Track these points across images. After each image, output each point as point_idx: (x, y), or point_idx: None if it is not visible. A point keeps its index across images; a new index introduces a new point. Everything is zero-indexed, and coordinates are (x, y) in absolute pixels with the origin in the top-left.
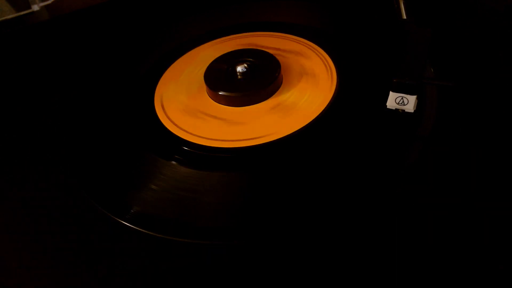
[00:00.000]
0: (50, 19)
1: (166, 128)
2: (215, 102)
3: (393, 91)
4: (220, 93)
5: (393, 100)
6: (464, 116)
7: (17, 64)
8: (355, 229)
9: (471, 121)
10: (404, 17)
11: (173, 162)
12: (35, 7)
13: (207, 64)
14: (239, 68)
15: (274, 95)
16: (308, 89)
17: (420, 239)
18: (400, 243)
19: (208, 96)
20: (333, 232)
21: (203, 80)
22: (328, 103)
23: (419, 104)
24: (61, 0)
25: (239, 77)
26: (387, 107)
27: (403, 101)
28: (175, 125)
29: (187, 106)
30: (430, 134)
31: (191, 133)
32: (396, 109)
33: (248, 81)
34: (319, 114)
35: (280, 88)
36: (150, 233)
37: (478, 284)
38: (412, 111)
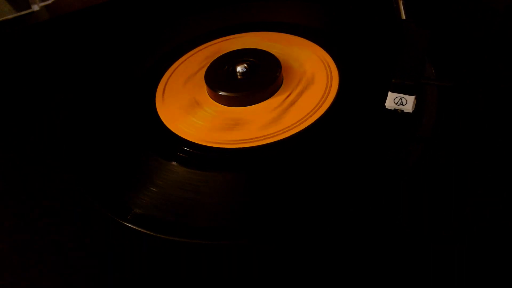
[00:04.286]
0: (50, 19)
1: (167, 129)
2: (215, 102)
3: (391, 91)
4: (220, 93)
5: (391, 101)
6: (464, 116)
7: (17, 64)
8: (355, 229)
9: (470, 121)
10: (403, 17)
11: (174, 163)
12: (35, 7)
13: (207, 64)
14: (239, 68)
15: (274, 95)
16: (308, 89)
17: (420, 240)
18: (400, 243)
19: (208, 96)
20: (333, 233)
21: (203, 80)
22: (329, 104)
23: (418, 104)
24: (61, 0)
25: (239, 77)
26: (386, 107)
27: (401, 102)
28: (176, 125)
29: (187, 106)
30: (429, 134)
31: (191, 134)
32: (395, 109)
33: (248, 81)
34: (320, 115)
35: (280, 88)
36: (151, 233)
37: (478, 284)
38: (411, 111)
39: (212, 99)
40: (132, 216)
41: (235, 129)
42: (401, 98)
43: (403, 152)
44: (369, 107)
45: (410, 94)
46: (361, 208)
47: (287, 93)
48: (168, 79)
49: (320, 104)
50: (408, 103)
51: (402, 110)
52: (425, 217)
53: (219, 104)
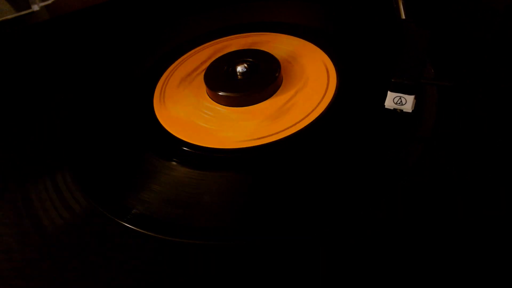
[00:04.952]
0: (50, 19)
1: (166, 129)
2: (215, 103)
3: (391, 90)
4: (220, 93)
5: (391, 100)
6: (464, 116)
7: (17, 64)
8: (355, 229)
9: (470, 121)
10: (403, 17)
11: (173, 163)
12: (35, 7)
13: (207, 64)
14: (239, 68)
15: (274, 96)
16: (308, 89)
17: (420, 240)
18: (400, 243)
19: (208, 97)
20: (332, 233)
21: (203, 80)
22: (328, 104)
23: (417, 104)
24: (61, 0)
25: (239, 77)
26: (385, 106)
27: (401, 101)
28: (175, 125)
29: (187, 107)
30: (429, 134)
31: (191, 134)
32: (394, 109)
33: (248, 81)
34: (319, 115)
35: (280, 89)
36: (150, 234)
37: (478, 284)
38: (410, 111)
39: (212, 99)
40: (131, 216)
41: (235, 129)
42: (400, 98)
43: (403, 152)
44: (368, 107)
45: (409, 93)
46: (361, 208)
47: (287, 93)
48: (168, 79)
49: (319, 103)
50: (407, 102)
51: (401, 110)
52: (425, 217)
53: (219, 105)
